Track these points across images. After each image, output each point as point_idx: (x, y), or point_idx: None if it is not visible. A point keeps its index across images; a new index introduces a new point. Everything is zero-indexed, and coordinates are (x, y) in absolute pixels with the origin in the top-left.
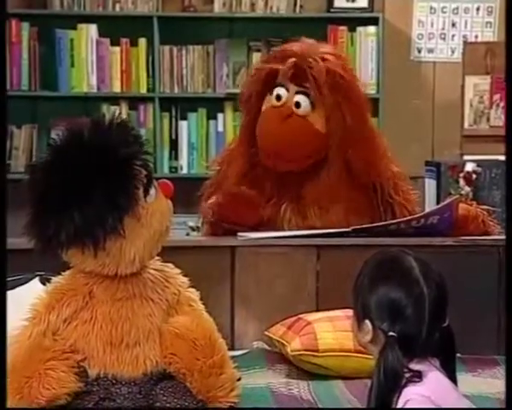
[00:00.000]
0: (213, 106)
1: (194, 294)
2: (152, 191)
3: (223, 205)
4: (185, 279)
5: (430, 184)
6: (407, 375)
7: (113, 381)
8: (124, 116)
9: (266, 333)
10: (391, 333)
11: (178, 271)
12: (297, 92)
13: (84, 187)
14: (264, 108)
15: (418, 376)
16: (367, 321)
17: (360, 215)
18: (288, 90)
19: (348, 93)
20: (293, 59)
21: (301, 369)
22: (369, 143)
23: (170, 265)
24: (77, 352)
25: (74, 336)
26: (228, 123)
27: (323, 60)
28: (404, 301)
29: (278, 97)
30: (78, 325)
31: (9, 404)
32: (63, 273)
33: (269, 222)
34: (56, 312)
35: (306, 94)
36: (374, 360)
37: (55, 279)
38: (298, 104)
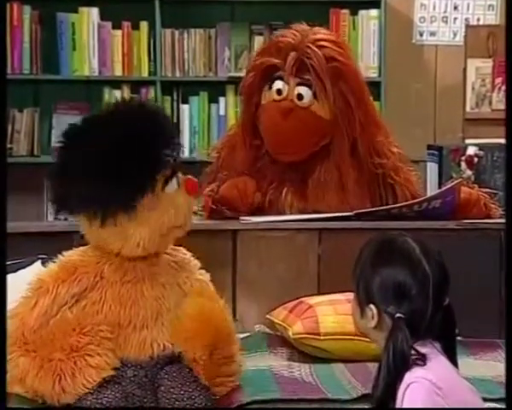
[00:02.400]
0: (215, 90)
1: (205, 276)
2: (173, 183)
3: (219, 194)
4: (197, 262)
5: (432, 168)
6: (412, 358)
7: (119, 363)
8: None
9: (268, 317)
10: (398, 315)
11: (189, 255)
12: (298, 84)
13: (108, 158)
14: (264, 101)
15: (422, 359)
16: (371, 306)
17: (362, 197)
18: (287, 83)
19: (348, 76)
20: (294, 53)
21: (303, 352)
22: (371, 124)
23: (181, 249)
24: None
25: (84, 314)
26: (230, 107)
27: (320, 48)
28: (408, 281)
29: (279, 92)
30: (87, 304)
31: (30, 383)
32: (75, 249)
33: (270, 206)
34: (66, 286)
35: (308, 85)
36: (376, 345)
37: (66, 253)
38: (300, 96)
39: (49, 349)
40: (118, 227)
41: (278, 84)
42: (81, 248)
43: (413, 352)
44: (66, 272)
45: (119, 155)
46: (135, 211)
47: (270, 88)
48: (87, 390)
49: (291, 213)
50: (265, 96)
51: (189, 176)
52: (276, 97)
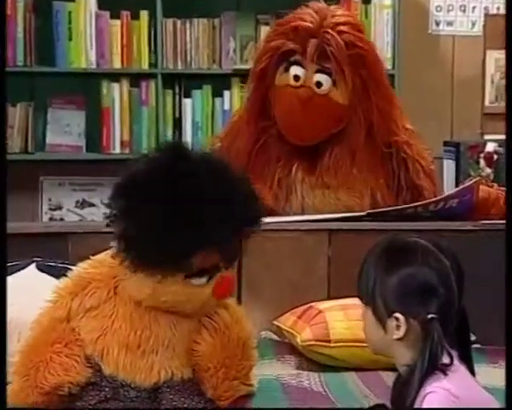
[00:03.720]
0: (219, 83)
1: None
2: (203, 280)
3: None
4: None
5: (449, 166)
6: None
7: (123, 383)
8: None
9: (275, 322)
10: (431, 315)
11: None
12: (317, 71)
13: (169, 214)
14: (278, 83)
15: (443, 367)
16: (397, 315)
17: (375, 173)
18: (306, 69)
19: (368, 62)
20: (314, 40)
21: (312, 360)
22: (388, 105)
23: None
24: (89, 344)
25: (93, 324)
26: (235, 101)
27: (340, 33)
28: (432, 277)
29: (296, 77)
30: (98, 315)
31: (15, 387)
32: (91, 258)
33: (280, 184)
34: (79, 300)
35: (327, 73)
36: (398, 358)
37: (81, 265)
38: (319, 84)
39: (29, 354)
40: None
41: (296, 70)
42: (98, 257)
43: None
44: (79, 286)
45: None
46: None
47: (286, 71)
48: (49, 385)
49: (301, 190)
50: (280, 78)
51: (228, 276)
52: (293, 83)
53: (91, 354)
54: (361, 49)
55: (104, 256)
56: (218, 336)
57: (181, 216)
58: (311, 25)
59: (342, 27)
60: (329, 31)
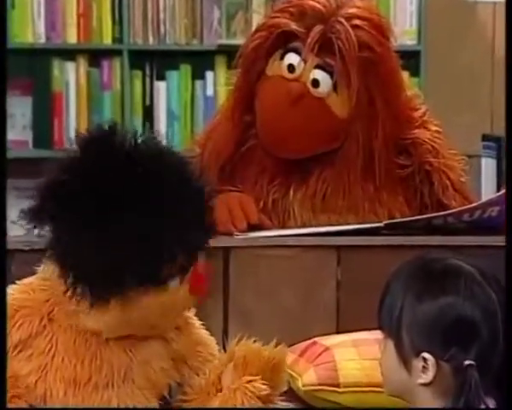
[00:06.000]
0: (200, 62)
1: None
2: (177, 279)
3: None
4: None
5: (488, 165)
6: None
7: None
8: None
9: None
10: (468, 362)
11: None
12: (317, 66)
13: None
14: (269, 72)
15: None
16: (426, 355)
17: (392, 190)
18: (304, 60)
19: (380, 70)
20: (320, 26)
21: (316, 409)
22: (400, 121)
23: None
24: (27, 393)
25: (28, 368)
26: (220, 84)
27: (355, 28)
28: (476, 314)
29: (291, 68)
30: (33, 354)
31: None
32: (18, 282)
33: (274, 207)
34: None
35: (328, 71)
36: (422, 407)
37: (9, 289)
38: (316, 82)
39: None
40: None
41: (291, 58)
42: (27, 280)
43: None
44: None
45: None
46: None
47: (282, 59)
48: None
49: (302, 214)
50: (273, 65)
51: (201, 268)
52: (286, 74)
53: (33, 403)
54: (375, 53)
55: (33, 279)
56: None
57: (147, 226)
58: (323, 8)
59: (359, 22)
60: (342, 20)
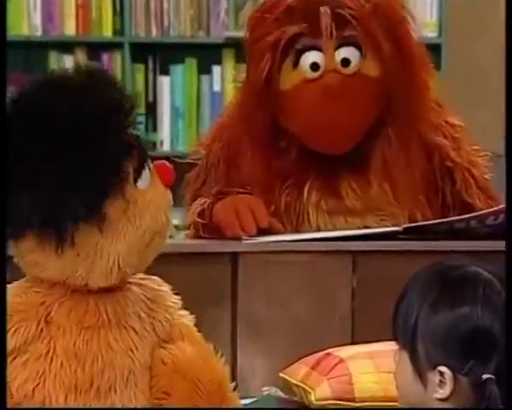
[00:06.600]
0: (207, 55)
1: (187, 318)
2: (145, 174)
3: (212, 220)
4: (176, 299)
5: None
6: None
7: None
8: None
9: (281, 375)
10: (487, 375)
11: (167, 287)
12: (339, 46)
13: (52, 158)
14: (287, 85)
15: None
16: (443, 368)
17: (412, 189)
18: (324, 50)
19: (403, 28)
20: (325, 8)
21: None
22: (427, 92)
23: (156, 279)
24: (25, 400)
25: (24, 375)
26: (227, 79)
27: None
28: (495, 326)
29: (314, 66)
30: (29, 360)
31: None
32: (10, 286)
33: (287, 210)
34: None
35: (352, 43)
36: None
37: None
38: (345, 61)
39: None
40: (80, 249)
41: (311, 56)
42: (18, 283)
43: None
44: None
45: (65, 153)
46: (103, 221)
47: (296, 65)
48: None
49: (317, 217)
50: (289, 78)
51: (161, 161)
52: (311, 75)
53: None
54: (392, 9)
55: (25, 282)
56: (182, 381)
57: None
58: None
59: None
60: None
